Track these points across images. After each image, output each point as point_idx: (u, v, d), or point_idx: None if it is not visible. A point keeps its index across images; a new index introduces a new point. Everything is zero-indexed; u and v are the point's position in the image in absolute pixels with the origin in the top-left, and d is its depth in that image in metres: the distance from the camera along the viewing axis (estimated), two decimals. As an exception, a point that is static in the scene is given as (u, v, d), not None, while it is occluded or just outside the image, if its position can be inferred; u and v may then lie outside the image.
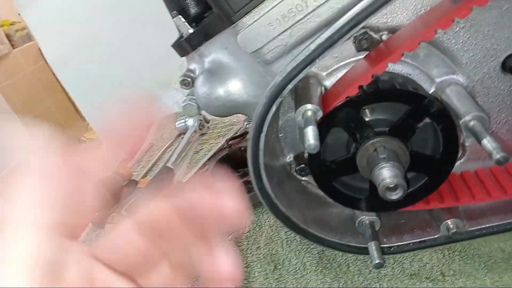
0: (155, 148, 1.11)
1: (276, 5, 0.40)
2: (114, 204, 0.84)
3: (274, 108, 0.39)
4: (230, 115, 0.51)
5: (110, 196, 0.83)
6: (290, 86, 0.38)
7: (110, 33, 1.71)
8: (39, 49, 1.90)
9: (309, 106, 0.38)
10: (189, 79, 0.51)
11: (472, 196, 0.43)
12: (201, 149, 0.99)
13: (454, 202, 0.44)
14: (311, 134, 0.34)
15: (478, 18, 0.39)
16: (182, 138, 1.03)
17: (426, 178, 0.42)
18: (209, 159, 0.84)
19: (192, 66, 0.51)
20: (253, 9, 0.41)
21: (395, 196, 0.36)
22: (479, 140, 0.35)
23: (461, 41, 0.40)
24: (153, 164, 0.98)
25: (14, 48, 3.52)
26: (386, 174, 0.36)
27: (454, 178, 0.45)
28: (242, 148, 0.82)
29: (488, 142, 0.34)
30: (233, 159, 0.83)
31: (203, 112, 1.09)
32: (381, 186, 0.36)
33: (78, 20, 1.66)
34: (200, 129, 1.05)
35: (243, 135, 0.90)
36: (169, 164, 0.90)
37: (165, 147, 1.05)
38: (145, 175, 0.95)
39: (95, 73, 1.81)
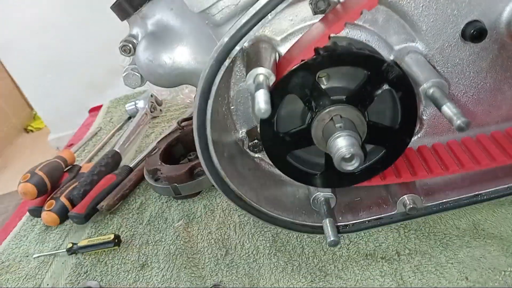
0: (103, 132, 1.03)
1: (226, -43, 0.36)
2: (52, 191, 0.77)
3: (222, 71, 0.35)
4: (176, 85, 0.46)
5: (48, 181, 0.75)
6: (238, 47, 0.34)
7: (59, 18, 1.63)
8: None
9: (260, 69, 0.34)
10: (130, 45, 0.46)
11: (429, 170, 0.42)
12: (152, 133, 0.93)
13: (411, 177, 0.42)
14: (262, 98, 0.30)
15: (438, -20, 0.37)
16: (132, 121, 0.97)
17: (384, 151, 0.39)
18: (159, 142, 0.79)
19: (135, 30, 0.46)
20: (199, -39, 0.36)
21: (351, 166, 0.34)
22: (439, 107, 0.33)
23: (421, 5, 0.38)
24: (99, 148, 0.92)
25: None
26: (342, 143, 0.33)
27: (411, 153, 0.44)
28: (195, 130, 0.77)
29: (448, 108, 0.32)
30: (184, 142, 0.78)
31: (155, 92, 1.03)
32: (336, 156, 0.33)
33: (26, 5, 1.59)
34: (152, 112, 0.99)
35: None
36: (116, 148, 0.84)
37: (113, 131, 0.98)
38: (90, 160, 0.88)
39: (43, 60, 1.75)
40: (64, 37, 1.68)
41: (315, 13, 0.39)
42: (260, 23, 0.33)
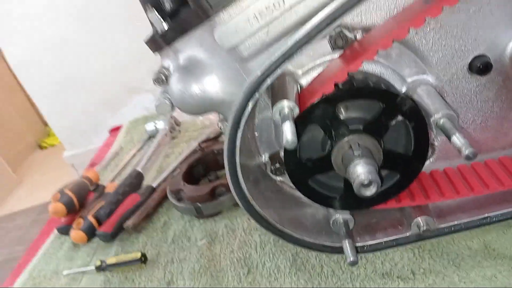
0: (124, 152, 1.08)
1: (254, 1, 0.40)
2: (80, 209, 0.81)
3: (251, 104, 0.39)
4: (205, 113, 0.50)
5: (76, 201, 0.79)
6: (268, 82, 0.37)
7: (76, 36, 1.67)
8: (0, 51, 1.84)
9: (286, 102, 0.38)
10: (163, 76, 0.50)
11: (441, 194, 0.45)
12: (171, 153, 0.97)
13: (425, 200, 0.45)
14: (289, 130, 0.34)
15: (447, 19, 0.40)
16: (152, 141, 1.01)
17: (398, 176, 0.42)
18: (180, 163, 0.83)
19: (167, 63, 0.50)
20: (230, 4, 0.41)
21: (369, 192, 0.37)
22: (449, 137, 0.36)
23: (431, 41, 0.42)
24: (122, 168, 0.96)
25: (-27, 50, 3.35)
26: (361, 170, 0.36)
27: (424, 176, 0.47)
28: (215, 151, 0.81)
29: (457, 139, 0.35)
30: (205, 163, 0.82)
31: (174, 115, 1.08)
32: (356, 182, 0.36)
33: (42, 23, 1.62)
34: (171, 132, 1.03)
35: (216, 137, 0.89)
36: (138, 168, 0.88)
37: (134, 151, 1.02)
38: (113, 179, 0.92)
39: (59, 77, 1.77)
40: (80, 54, 1.70)
41: (333, 49, 0.43)
42: (286, 61, 0.37)
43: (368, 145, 0.39)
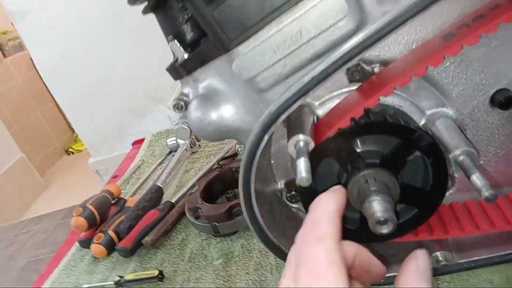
0: (146, 165, 1.10)
1: (272, 35, 0.41)
2: (101, 223, 0.83)
3: (266, 137, 0.39)
4: (222, 140, 0.51)
5: (97, 215, 0.81)
6: (283, 117, 0.38)
7: (102, 45, 1.72)
8: (31, 58, 1.91)
9: (301, 137, 0.38)
10: (182, 103, 0.51)
11: (461, 229, 0.44)
12: (191, 168, 0.99)
13: (443, 234, 0.44)
14: (303, 167, 0.34)
15: (468, 54, 0.40)
16: (173, 156, 1.03)
17: (416, 210, 0.42)
18: (199, 179, 0.84)
19: (186, 90, 0.51)
20: (248, 38, 0.41)
21: (385, 230, 0.36)
22: (468, 176, 0.36)
23: (451, 75, 0.41)
24: (143, 182, 0.98)
25: (5, 57, 3.50)
26: (377, 207, 0.36)
27: (444, 209, 0.46)
28: (233, 169, 0.82)
29: (477, 179, 0.34)
30: (223, 180, 0.83)
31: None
32: (371, 220, 0.36)
33: (71, 31, 1.67)
34: (191, 148, 1.05)
35: (234, 155, 0.90)
36: (158, 183, 0.90)
37: (155, 165, 1.04)
38: (134, 193, 0.94)
39: (86, 84, 1.81)
40: (107, 62, 1.74)
41: (350, 81, 0.43)
42: (302, 97, 0.37)
43: (385, 180, 0.39)
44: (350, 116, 0.38)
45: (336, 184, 0.42)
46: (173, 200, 0.84)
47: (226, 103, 0.47)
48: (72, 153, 3.96)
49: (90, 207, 0.81)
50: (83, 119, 1.92)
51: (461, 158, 0.37)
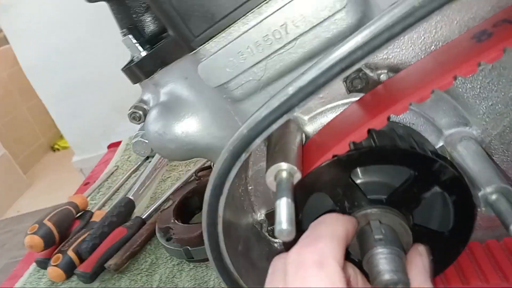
0: (120, 172, 1.00)
1: (248, 30, 0.31)
2: (61, 241, 0.73)
3: (238, 166, 0.29)
4: (189, 159, 0.41)
5: (56, 233, 0.71)
6: (258, 141, 0.28)
7: (88, 41, 1.64)
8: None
9: (284, 165, 0.28)
10: (140, 112, 0.41)
11: (484, 279, 0.34)
12: (168, 177, 0.89)
13: (462, 284, 0.35)
14: (284, 213, 0.25)
15: (502, 59, 0.30)
16: (150, 162, 0.93)
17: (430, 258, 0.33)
18: (173, 193, 0.74)
19: (146, 96, 0.42)
20: (218, 33, 0.32)
21: (394, 294, 0.27)
22: (505, 224, 0.26)
23: (478, 86, 0.32)
24: (113, 193, 0.88)
25: (-12, 51, 3.36)
26: (384, 266, 0.27)
27: (462, 253, 0.37)
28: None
29: (519, 230, 0.25)
30: (201, 194, 0.73)
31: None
32: (377, 282, 0.27)
33: (55, 28, 1.61)
34: (170, 154, 0.95)
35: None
36: (130, 195, 0.80)
37: (128, 172, 0.94)
38: (103, 205, 0.84)
39: (70, 81, 1.75)
40: (91, 59, 1.69)
41: (350, 91, 0.33)
42: (285, 115, 0.27)
43: (394, 225, 0.30)
44: (350, 139, 0.29)
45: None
46: (144, 216, 0.74)
47: (193, 115, 0.38)
48: (58, 149, 3.83)
49: (48, 223, 0.70)
50: (67, 116, 1.86)
51: (493, 197, 0.28)
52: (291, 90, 0.27)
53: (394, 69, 0.32)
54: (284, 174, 0.29)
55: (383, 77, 0.32)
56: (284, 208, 0.25)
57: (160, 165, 0.91)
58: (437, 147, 0.34)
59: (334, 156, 0.29)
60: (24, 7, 1.54)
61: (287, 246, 0.33)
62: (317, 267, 0.24)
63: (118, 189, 0.89)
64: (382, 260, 0.27)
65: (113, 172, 0.99)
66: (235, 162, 0.29)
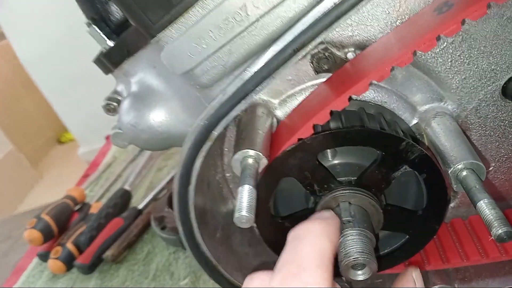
0: (117, 163, 1.00)
1: (207, 14, 0.30)
2: (60, 234, 0.74)
3: (202, 154, 0.29)
4: (165, 149, 0.41)
5: (55, 226, 0.72)
6: (219, 129, 0.28)
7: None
8: (14, 46, 1.83)
9: (250, 152, 0.28)
10: (115, 104, 0.41)
11: (465, 256, 0.34)
12: (165, 166, 0.89)
13: (443, 263, 0.34)
14: (245, 200, 0.24)
15: (471, 30, 0.29)
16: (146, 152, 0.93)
17: (407, 237, 0.32)
18: (169, 182, 0.74)
19: (120, 87, 0.41)
20: (177, 18, 0.31)
21: (361, 276, 0.27)
22: (473, 201, 0.26)
23: (449, 59, 0.31)
24: (110, 184, 0.88)
25: (-9, 46, 3.37)
26: (351, 247, 0.26)
27: (443, 230, 0.36)
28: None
29: (485, 207, 0.25)
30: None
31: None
32: (343, 263, 0.26)
33: (52, 20, 1.59)
34: (165, 143, 0.95)
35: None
36: (126, 186, 0.80)
37: (126, 163, 0.94)
38: (100, 197, 0.85)
39: (71, 73, 1.74)
40: (92, 50, 1.68)
41: (317, 72, 0.32)
42: (243, 101, 0.27)
43: (363, 205, 0.29)
44: (313, 121, 0.28)
45: (303, 209, 0.33)
46: (140, 207, 0.74)
47: (163, 103, 0.37)
48: (66, 142, 3.86)
49: (46, 217, 0.72)
50: (70, 108, 1.86)
51: (463, 174, 0.27)
52: (246, 75, 0.26)
53: (361, 46, 0.31)
54: (249, 161, 0.28)
55: (350, 55, 0.31)
56: (245, 195, 0.25)
57: (156, 154, 0.91)
58: (411, 124, 0.33)
59: (299, 140, 0.29)
60: (20, 1, 1.51)
61: (266, 236, 0.33)
62: None
63: (115, 180, 0.89)
64: (349, 241, 0.27)
65: (110, 164, 1.00)
66: (198, 152, 0.29)
